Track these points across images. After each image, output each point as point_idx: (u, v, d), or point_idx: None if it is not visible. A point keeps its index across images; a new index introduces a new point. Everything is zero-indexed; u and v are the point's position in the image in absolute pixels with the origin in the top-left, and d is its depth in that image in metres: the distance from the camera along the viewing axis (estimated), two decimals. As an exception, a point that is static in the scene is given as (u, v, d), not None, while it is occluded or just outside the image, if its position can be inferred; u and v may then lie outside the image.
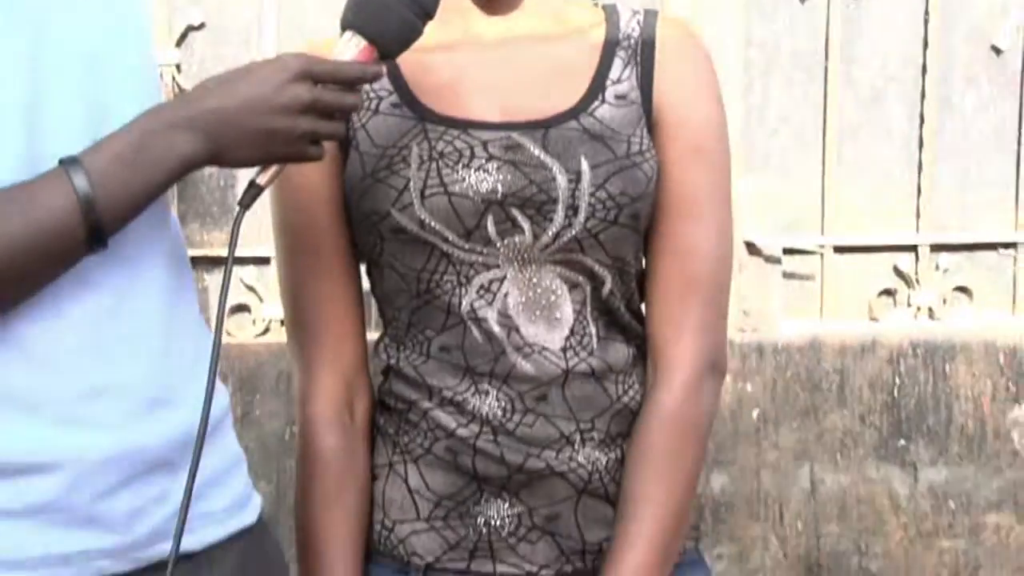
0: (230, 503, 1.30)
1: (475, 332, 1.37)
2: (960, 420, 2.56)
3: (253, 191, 1.22)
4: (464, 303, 1.37)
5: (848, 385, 2.58)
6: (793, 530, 2.53)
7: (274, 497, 2.34)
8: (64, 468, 1.14)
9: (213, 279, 2.52)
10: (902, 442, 2.56)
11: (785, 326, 2.65)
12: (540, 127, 1.36)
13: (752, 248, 2.66)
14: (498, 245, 1.35)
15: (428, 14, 1.25)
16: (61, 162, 1.11)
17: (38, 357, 1.13)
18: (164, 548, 1.19)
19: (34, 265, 1.10)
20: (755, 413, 2.56)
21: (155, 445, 1.19)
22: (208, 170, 2.48)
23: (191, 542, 1.22)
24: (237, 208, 1.22)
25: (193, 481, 1.14)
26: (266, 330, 2.62)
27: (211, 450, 1.24)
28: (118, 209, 1.12)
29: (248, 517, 1.32)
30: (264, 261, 2.52)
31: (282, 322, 2.43)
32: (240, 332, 2.60)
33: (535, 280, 1.37)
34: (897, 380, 2.57)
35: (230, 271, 1.20)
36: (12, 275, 1.09)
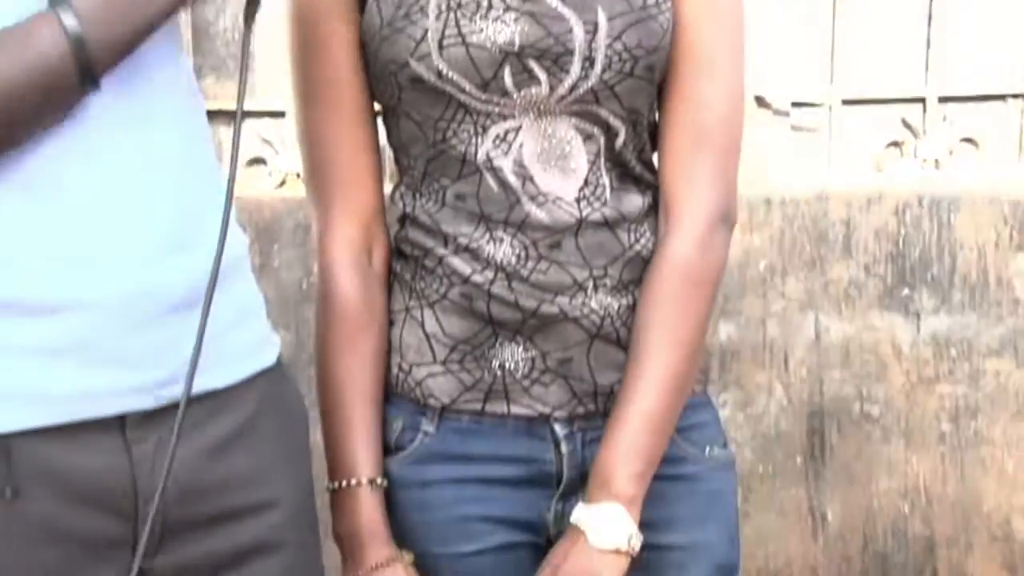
0: (250, 344, 1.32)
1: (490, 181, 1.39)
2: (963, 269, 2.57)
3: (253, 6, 1.23)
4: (480, 152, 1.38)
5: (854, 236, 2.59)
6: (797, 377, 2.56)
7: (294, 345, 2.37)
8: (88, 308, 1.15)
9: (228, 133, 2.52)
10: (906, 291, 2.57)
11: (793, 179, 2.66)
12: (557, -23, 1.35)
13: (761, 101, 2.65)
14: (514, 96, 1.36)
15: None
16: (51, 3, 1.10)
17: (53, 198, 1.14)
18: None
19: (29, 107, 1.10)
20: (762, 264, 2.58)
21: (176, 286, 1.20)
22: (222, 24, 2.48)
23: (212, 381, 1.24)
24: (242, 26, 1.24)
25: (204, 326, 1.16)
26: (282, 183, 2.63)
27: (231, 292, 1.26)
28: (109, 48, 1.12)
29: (268, 358, 1.33)
30: (279, 115, 2.52)
31: (298, 175, 2.45)
32: (256, 185, 2.62)
33: (550, 131, 1.38)
34: (902, 231, 2.58)
35: (244, 88, 1.20)
36: (7, 118, 1.09)
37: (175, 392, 1.21)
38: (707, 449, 1.50)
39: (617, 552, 1.36)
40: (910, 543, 2.57)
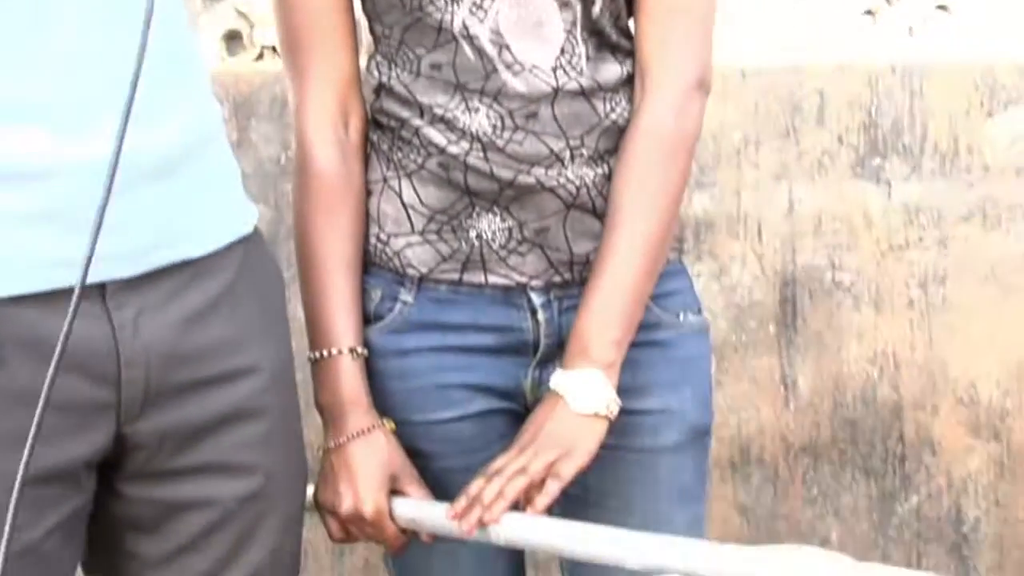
0: (226, 212, 1.31)
1: (466, 49, 1.38)
2: (934, 137, 2.57)
3: None
4: (456, 20, 1.37)
5: (827, 106, 2.59)
6: (770, 247, 2.58)
7: (273, 219, 2.37)
8: (66, 175, 1.14)
9: (203, 5, 2.49)
10: (877, 160, 2.58)
11: (767, 49, 2.65)
12: None
13: (736, -29, 2.64)
14: (490, -38, 1.35)
15: None
16: None
17: (28, 64, 1.12)
18: (167, 253, 1.23)
19: None
20: (736, 135, 2.58)
21: (149, 154, 1.18)
22: None
23: (189, 250, 1.25)
24: None
25: (103, 212, 1.14)
26: (259, 56, 2.60)
27: (205, 160, 1.26)
28: None
29: (245, 227, 1.33)
30: (255, -12, 2.49)
31: (275, 49, 2.43)
32: (233, 59, 2.59)
33: None
34: (874, 100, 2.58)
35: None
36: None
37: (156, 259, 1.22)
38: (681, 315, 1.51)
39: (596, 416, 1.38)
40: (878, 408, 2.61)
